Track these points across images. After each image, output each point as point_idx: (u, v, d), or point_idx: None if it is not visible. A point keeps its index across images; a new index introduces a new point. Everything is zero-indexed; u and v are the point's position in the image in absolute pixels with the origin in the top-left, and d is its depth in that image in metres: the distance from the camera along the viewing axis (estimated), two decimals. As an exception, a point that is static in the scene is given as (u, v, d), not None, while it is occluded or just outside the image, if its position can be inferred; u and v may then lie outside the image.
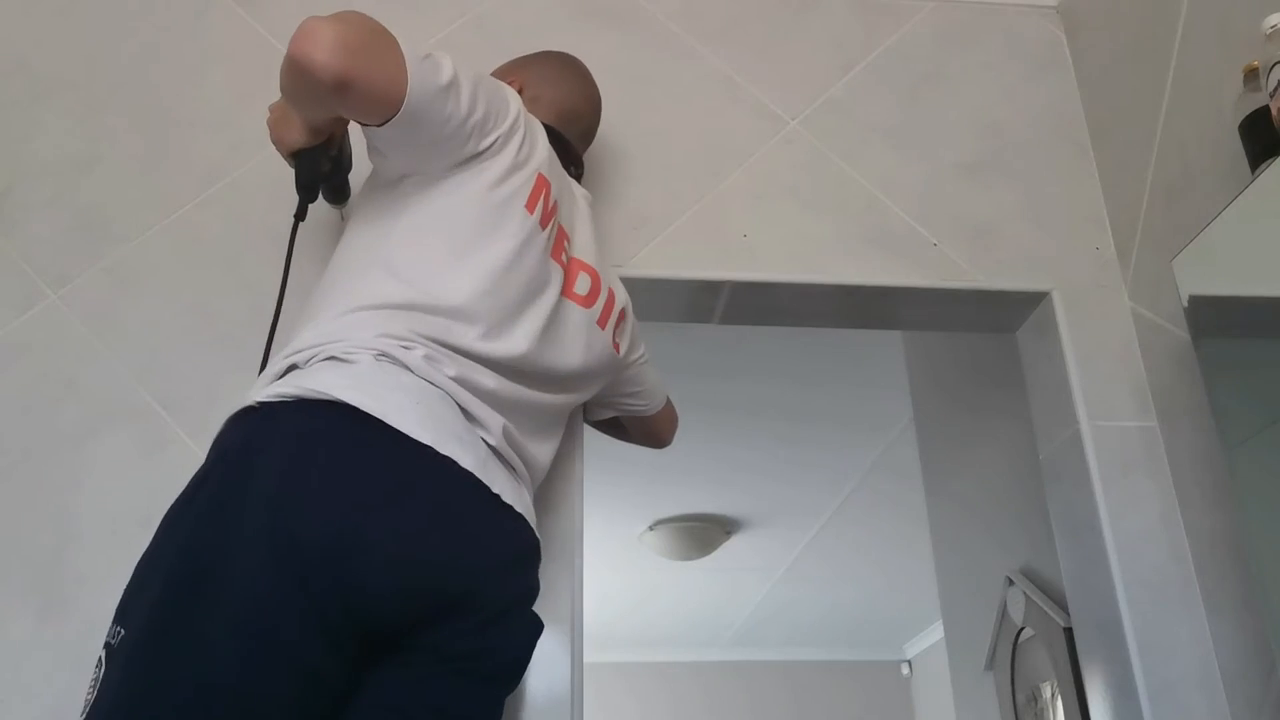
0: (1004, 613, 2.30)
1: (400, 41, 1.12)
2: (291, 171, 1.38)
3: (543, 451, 1.28)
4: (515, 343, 1.20)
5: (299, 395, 1.04)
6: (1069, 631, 1.95)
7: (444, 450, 1.05)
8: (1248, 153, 1.46)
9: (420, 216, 1.19)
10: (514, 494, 1.16)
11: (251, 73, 1.78)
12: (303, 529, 0.96)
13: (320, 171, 1.38)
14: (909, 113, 1.99)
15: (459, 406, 1.12)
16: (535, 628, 1.17)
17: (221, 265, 1.68)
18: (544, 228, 1.26)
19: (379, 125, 1.13)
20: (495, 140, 1.21)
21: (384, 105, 1.10)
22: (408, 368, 1.09)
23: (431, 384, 1.10)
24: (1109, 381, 1.79)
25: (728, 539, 4.71)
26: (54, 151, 1.74)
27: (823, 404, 3.58)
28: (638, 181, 1.84)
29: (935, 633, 5.60)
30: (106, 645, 0.97)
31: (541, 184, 1.26)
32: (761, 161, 1.90)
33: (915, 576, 4.75)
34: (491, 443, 1.14)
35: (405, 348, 1.10)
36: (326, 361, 1.08)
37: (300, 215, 1.38)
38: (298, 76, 1.08)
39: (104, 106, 1.79)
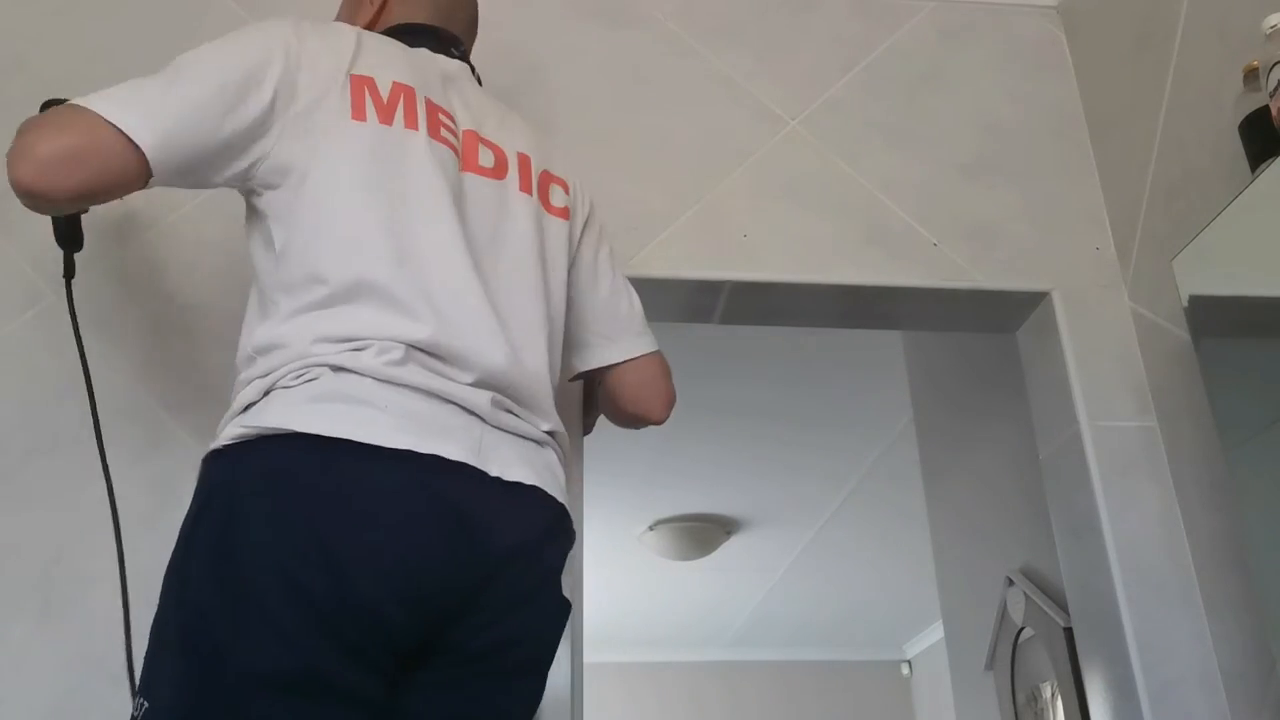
0: (1004, 613, 2.30)
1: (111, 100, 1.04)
2: None
3: (549, 420, 1.17)
4: (432, 244, 1.10)
5: (259, 433, 1.00)
6: (1069, 631, 1.95)
7: (425, 449, 1.00)
8: (1248, 153, 1.46)
9: (278, 201, 1.12)
10: (524, 466, 1.09)
11: (251, 73, 1.77)
12: (298, 568, 0.94)
13: (80, 216, 1.36)
14: (909, 113, 1.99)
15: (432, 395, 1.04)
16: (557, 612, 1.13)
17: (221, 265, 1.68)
18: (388, 123, 1.15)
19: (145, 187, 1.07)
20: (275, 99, 1.12)
21: (128, 184, 1.06)
22: (358, 373, 1.02)
23: (392, 384, 1.03)
24: (1109, 381, 1.79)
25: (728, 539, 4.71)
26: (54, 151, 1.74)
27: (823, 405, 3.59)
28: (638, 181, 1.84)
29: (935, 633, 5.60)
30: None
31: (359, 84, 1.16)
32: (761, 161, 1.90)
33: (915, 576, 4.75)
34: (485, 419, 1.07)
35: (355, 350, 1.03)
36: (277, 392, 1.03)
37: (72, 272, 1.36)
38: (33, 206, 1.03)
39: (104, 106, 1.79)
